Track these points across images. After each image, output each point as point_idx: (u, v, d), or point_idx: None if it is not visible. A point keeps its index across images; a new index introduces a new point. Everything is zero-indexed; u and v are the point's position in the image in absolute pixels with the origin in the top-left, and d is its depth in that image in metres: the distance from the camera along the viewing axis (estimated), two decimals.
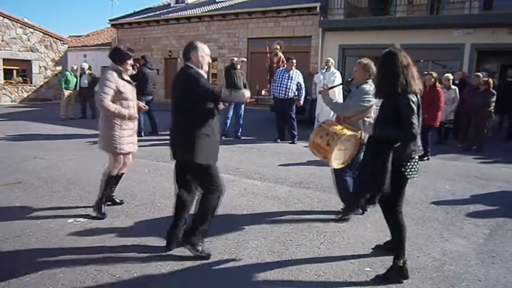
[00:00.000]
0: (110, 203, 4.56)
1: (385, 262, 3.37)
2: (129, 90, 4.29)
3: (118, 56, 4.24)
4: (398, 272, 3.11)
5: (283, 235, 3.94)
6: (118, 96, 4.15)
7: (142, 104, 4.60)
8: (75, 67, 13.34)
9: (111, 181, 4.42)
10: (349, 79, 4.42)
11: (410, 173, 3.09)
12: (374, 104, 4.18)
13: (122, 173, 4.55)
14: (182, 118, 3.39)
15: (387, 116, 3.08)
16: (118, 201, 4.70)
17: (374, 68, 4.17)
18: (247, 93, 3.49)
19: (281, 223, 4.25)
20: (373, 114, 4.25)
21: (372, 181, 3.03)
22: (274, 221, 4.31)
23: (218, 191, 3.42)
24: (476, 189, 5.75)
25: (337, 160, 3.96)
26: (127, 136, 4.31)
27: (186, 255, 3.41)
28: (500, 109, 9.67)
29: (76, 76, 13.16)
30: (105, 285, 2.97)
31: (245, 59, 11.52)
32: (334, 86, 5.55)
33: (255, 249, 3.61)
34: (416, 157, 3.12)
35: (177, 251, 3.49)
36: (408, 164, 3.06)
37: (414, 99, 3.02)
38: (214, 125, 3.37)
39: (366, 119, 4.21)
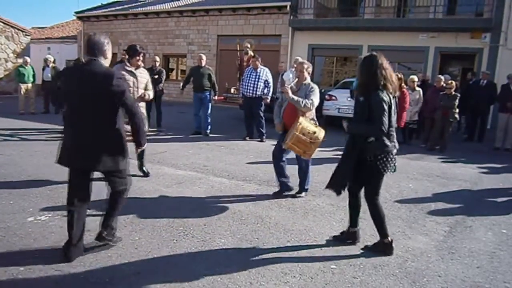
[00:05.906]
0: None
1: (351, 260, 3.45)
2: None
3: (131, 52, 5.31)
4: (384, 247, 3.59)
5: (250, 233, 3.94)
6: None
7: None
8: (28, 60, 12.83)
9: None
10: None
11: (385, 167, 3.40)
12: None
13: None
14: None
15: (362, 113, 3.41)
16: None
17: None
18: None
19: (248, 221, 4.25)
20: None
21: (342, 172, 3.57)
22: (241, 219, 4.30)
23: None
24: (438, 188, 5.94)
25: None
26: None
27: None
28: (461, 110, 10.03)
29: (32, 68, 12.65)
30: (66, 285, 2.88)
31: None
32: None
33: (222, 247, 3.60)
34: (393, 152, 3.43)
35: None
36: (384, 158, 3.37)
37: (386, 98, 3.32)
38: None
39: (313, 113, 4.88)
